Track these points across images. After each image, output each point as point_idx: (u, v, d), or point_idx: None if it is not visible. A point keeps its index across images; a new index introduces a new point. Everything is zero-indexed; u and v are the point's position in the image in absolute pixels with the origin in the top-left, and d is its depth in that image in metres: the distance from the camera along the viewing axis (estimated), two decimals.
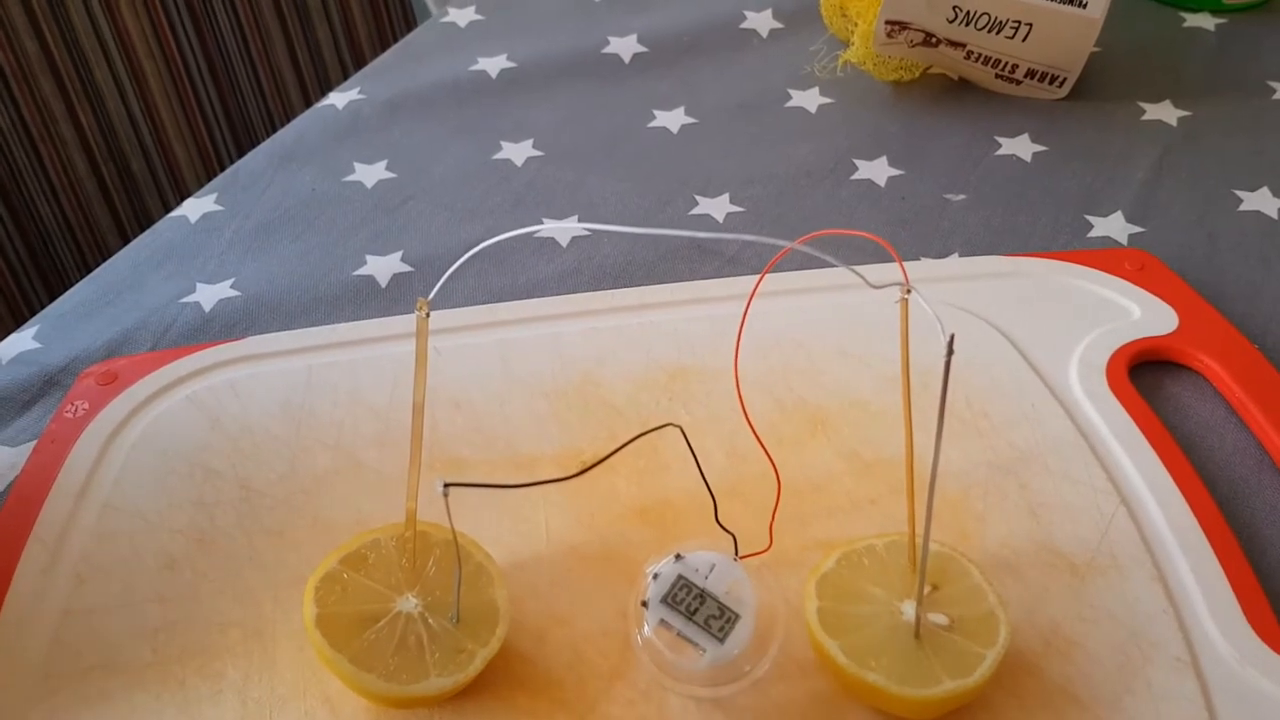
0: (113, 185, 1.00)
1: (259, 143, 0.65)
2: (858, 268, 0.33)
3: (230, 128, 1.06)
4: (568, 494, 0.42)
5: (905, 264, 0.33)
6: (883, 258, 0.41)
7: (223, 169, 0.64)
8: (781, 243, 0.29)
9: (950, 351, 0.29)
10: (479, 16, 0.75)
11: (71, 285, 0.56)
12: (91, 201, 0.99)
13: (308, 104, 1.05)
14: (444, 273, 0.34)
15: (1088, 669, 0.36)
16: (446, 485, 0.29)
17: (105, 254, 0.58)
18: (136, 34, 0.96)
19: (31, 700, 0.37)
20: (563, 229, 0.56)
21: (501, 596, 0.36)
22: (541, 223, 0.57)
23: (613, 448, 0.35)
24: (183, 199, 0.61)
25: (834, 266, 0.50)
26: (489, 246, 0.34)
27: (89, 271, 0.57)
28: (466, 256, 0.32)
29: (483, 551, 0.37)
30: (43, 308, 0.55)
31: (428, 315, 0.31)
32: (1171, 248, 0.53)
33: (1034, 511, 0.41)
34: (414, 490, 0.35)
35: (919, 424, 0.36)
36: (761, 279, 0.33)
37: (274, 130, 0.67)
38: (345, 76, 1.00)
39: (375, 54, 1.02)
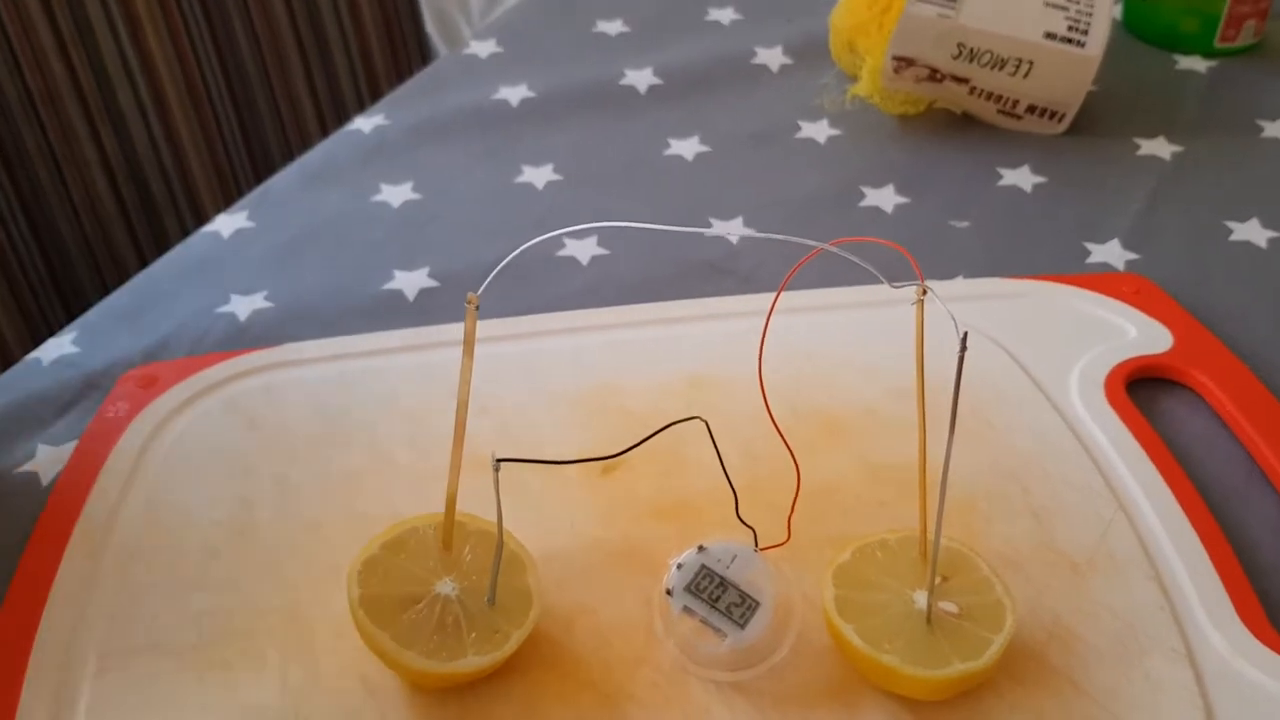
0: (132, 206, 1.02)
1: (276, 169, 0.68)
2: (873, 281, 0.35)
3: (248, 153, 1.09)
4: (591, 493, 0.44)
5: (911, 284, 0.35)
6: (891, 278, 0.43)
7: (240, 193, 0.66)
8: (810, 243, 0.31)
9: (964, 347, 0.31)
10: (499, 49, 0.78)
11: (89, 304, 0.58)
12: (111, 222, 1.01)
13: (324, 131, 1.08)
14: (469, 288, 0.36)
15: (1088, 658, 0.38)
16: (498, 460, 0.31)
17: (123, 274, 0.60)
18: (160, 59, 0.99)
19: (81, 680, 0.38)
20: (610, 228, 0.57)
21: (534, 582, 0.38)
22: (564, 243, 0.59)
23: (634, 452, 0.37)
24: (200, 222, 0.64)
25: (844, 285, 0.53)
26: (525, 251, 0.37)
27: (106, 291, 0.59)
28: (515, 254, 0.34)
29: (516, 540, 0.39)
30: (60, 325, 0.57)
31: (477, 308, 0.33)
32: (1166, 274, 0.56)
33: (1036, 515, 0.43)
34: (455, 478, 0.37)
35: (928, 429, 0.38)
36: (787, 280, 0.35)
37: (291, 157, 0.69)
38: (361, 105, 1.03)
39: (390, 85, 1.05)
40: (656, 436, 0.38)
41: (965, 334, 0.31)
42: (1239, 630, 0.39)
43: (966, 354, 0.33)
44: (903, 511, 0.43)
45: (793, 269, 0.33)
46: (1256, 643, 0.39)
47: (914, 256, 0.58)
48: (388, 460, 0.46)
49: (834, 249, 0.32)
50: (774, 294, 0.37)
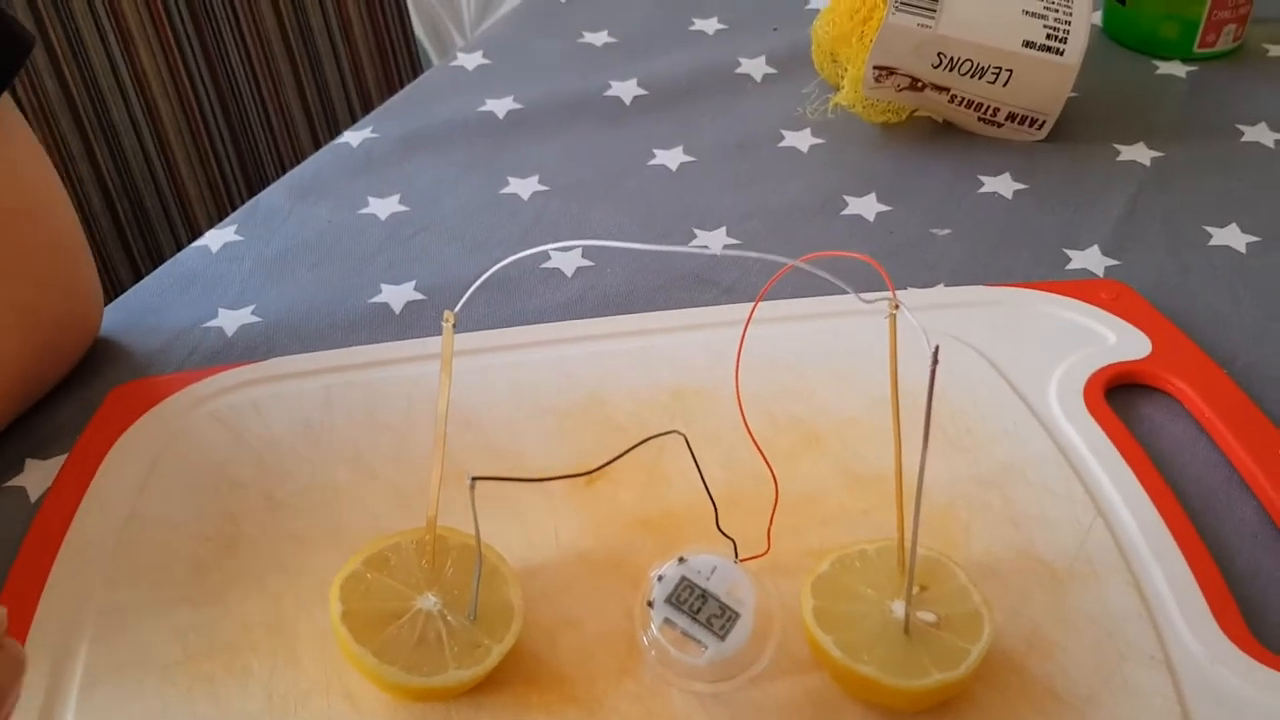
0: (126, 221, 1.03)
1: (269, 181, 0.68)
2: (849, 291, 0.36)
3: (241, 166, 1.09)
4: (575, 505, 0.45)
5: (893, 293, 0.36)
6: (871, 288, 0.43)
7: (233, 206, 0.66)
8: (782, 259, 0.32)
9: (935, 361, 0.32)
10: (486, 61, 0.78)
11: None
12: (106, 237, 1.02)
13: (316, 144, 1.08)
14: (454, 302, 0.37)
15: (1067, 666, 0.38)
16: (474, 479, 0.31)
17: (117, 289, 0.60)
18: (153, 74, 0.99)
19: (68, 695, 0.39)
20: (596, 245, 0.58)
21: (515, 595, 0.39)
22: (548, 255, 0.60)
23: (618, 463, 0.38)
24: (194, 235, 0.64)
25: (824, 295, 0.53)
26: (510, 264, 0.37)
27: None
28: (492, 271, 0.34)
29: (497, 554, 0.40)
30: None
31: (454, 325, 0.33)
32: (1145, 279, 0.56)
33: (1016, 522, 0.44)
34: (435, 495, 0.37)
35: (905, 439, 0.39)
36: (763, 294, 0.35)
37: (284, 169, 0.69)
38: (353, 118, 1.03)
39: (382, 97, 1.05)
40: (639, 448, 0.39)
41: (936, 348, 0.31)
42: (1217, 637, 0.39)
43: (943, 363, 0.33)
44: (883, 520, 0.43)
45: (767, 284, 0.34)
46: (1235, 649, 0.39)
47: (896, 264, 0.59)
48: (372, 474, 0.46)
49: (805, 265, 0.32)
50: (759, 294, 0.37)
